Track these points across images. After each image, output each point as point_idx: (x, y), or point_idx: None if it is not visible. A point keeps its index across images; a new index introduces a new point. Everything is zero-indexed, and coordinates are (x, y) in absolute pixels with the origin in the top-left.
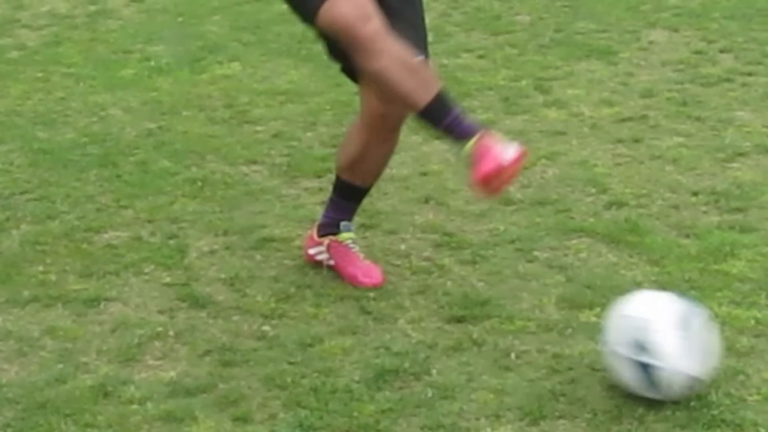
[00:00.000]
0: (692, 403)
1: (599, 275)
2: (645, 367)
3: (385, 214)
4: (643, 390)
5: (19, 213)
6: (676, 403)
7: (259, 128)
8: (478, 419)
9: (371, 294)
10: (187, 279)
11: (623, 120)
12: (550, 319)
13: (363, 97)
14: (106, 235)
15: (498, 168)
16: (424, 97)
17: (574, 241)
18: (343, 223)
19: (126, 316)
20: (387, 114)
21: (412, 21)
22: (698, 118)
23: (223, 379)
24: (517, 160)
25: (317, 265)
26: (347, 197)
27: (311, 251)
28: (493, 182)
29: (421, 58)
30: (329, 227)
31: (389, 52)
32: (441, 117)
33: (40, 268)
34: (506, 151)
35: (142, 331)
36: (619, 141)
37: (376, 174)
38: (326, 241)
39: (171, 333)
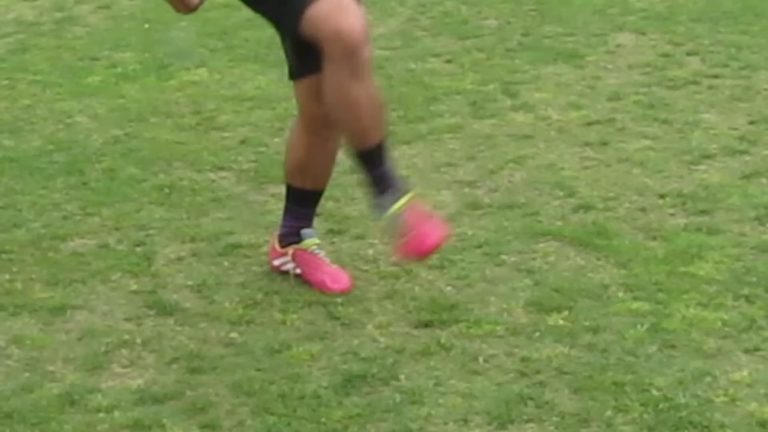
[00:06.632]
0: (660, 405)
1: (567, 278)
2: None
3: (353, 219)
4: None
5: None
6: (643, 405)
7: (226, 134)
8: (446, 424)
9: (339, 299)
10: (154, 286)
11: (590, 123)
12: (518, 323)
13: (300, 100)
14: (72, 243)
15: (423, 251)
16: (374, 138)
17: (541, 245)
18: (303, 230)
19: (92, 324)
20: (326, 114)
21: None
22: (665, 121)
23: (191, 386)
24: (441, 242)
25: (284, 273)
26: (302, 204)
27: (276, 262)
28: (416, 257)
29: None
30: (290, 236)
31: (369, 84)
32: (378, 163)
33: (6, 277)
34: (434, 231)
35: (109, 339)
36: (587, 144)
37: (326, 175)
38: (290, 250)
39: (138, 341)
